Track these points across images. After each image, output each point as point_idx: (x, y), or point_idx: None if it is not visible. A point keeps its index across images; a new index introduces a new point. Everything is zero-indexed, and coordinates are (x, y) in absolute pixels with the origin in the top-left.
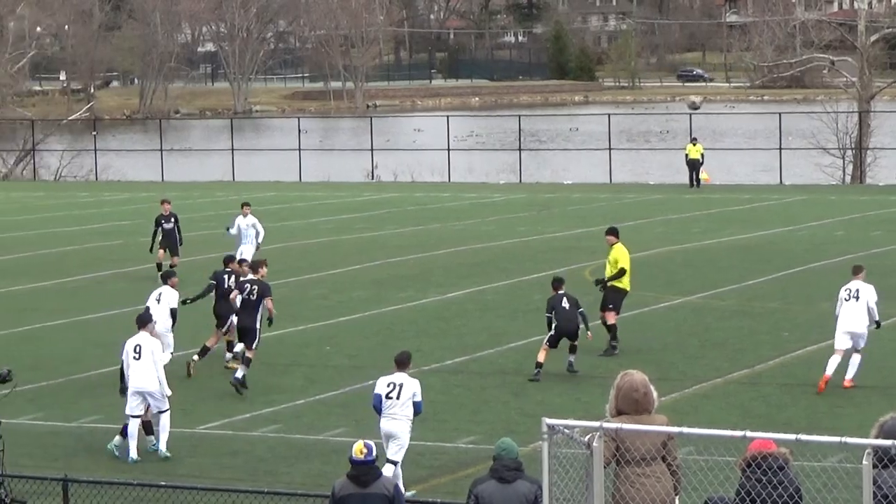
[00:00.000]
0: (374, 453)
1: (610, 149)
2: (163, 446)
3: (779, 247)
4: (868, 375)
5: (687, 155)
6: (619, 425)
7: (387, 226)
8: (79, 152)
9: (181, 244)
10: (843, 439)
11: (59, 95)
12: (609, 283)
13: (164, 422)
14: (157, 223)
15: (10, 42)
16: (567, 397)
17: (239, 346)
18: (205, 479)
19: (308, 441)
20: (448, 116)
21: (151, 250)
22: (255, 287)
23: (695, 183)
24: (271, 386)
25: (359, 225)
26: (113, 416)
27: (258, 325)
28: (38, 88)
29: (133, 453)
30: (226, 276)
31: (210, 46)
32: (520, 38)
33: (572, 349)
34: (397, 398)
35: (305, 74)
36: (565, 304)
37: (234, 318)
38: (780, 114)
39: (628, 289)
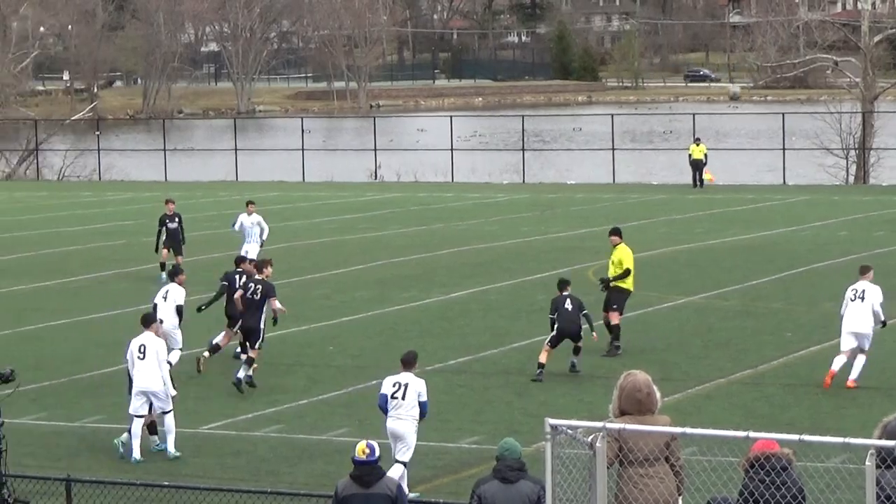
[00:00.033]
0: (377, 453)
1: (613, 149)
2: (171, 447)
3: (782, 247)
4: (871, 376)
5: (690, 155)
6: (622, 426)
7: (390, 226)
8: (82, 152)
9: (184, 244)
10: (847, 440)
11: (63, 95)
12: (613, 284)
13: (169, 423)
14: (162, 223)
15: (13, 42)
16: (570, 398)
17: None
18: (208, 479)
19: (311, 441)
20: (451, 116)
21: (157, 250)
22: (259, 287)
23: (698, 183)
24: (274, 386)
25: (362, 225)
26: (115, 416)
27: (261, 326)
28: (41, 88)
29: (136, 453)
30: (237, 277)
31: (213, 46)
32: (523, 38)
33: (576, 350)
34: (403, 398)
35: (309, 74)
36: (568, 305)
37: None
38: (783, 114)
39: (632, 289)
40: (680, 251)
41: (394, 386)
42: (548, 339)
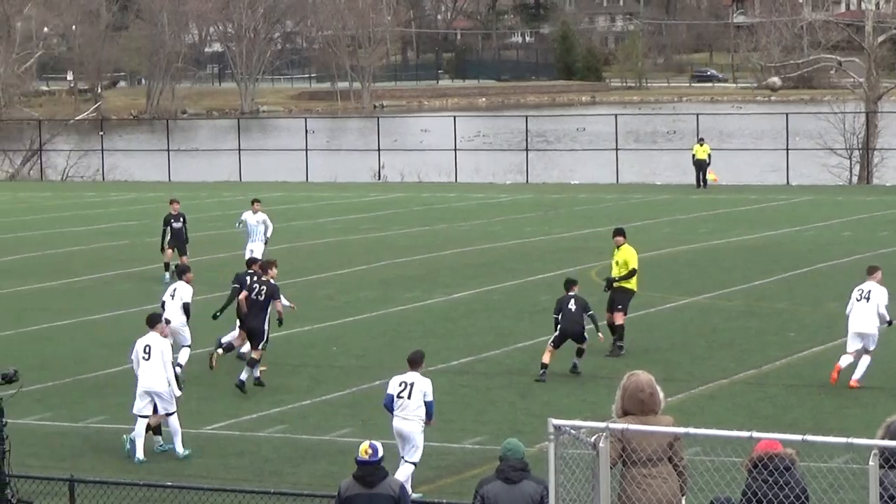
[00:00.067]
0: (380, 454)
1: (617, 149)
2: (179, 447)
3: (786, 247)
4: (875, 376)
5: (694, 155)
6: (625, 426)
7: (393, 226)
8: (86, 152)
9: (188, 244)
10: (850, 440)
11: (67, 95)
12: (617, 284)
13: (174, 424)
14: (167, 222)
15: (17, 42)
16: (573, 398)
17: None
18: (211, 479)
19: (314, 441)
20: (455, 117)
21: (162, 250)
22: (263, 288)
23: (702, 183)
24: (278, 386)
25: (365, 225)
26: (120, 417)
27: (266, 327)
28: (45, 88)
29: (139, 454)
30: (248, 278)
31: (217, 47)
32: (527, 38)
33: (579, 352)
34: (408, 398)
35: (312, 75)
36: (572, 306)
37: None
38: (787, 114)
39: (636, 289)
40: (683, 251)
41: (400, 385)
42: (551, 340)
